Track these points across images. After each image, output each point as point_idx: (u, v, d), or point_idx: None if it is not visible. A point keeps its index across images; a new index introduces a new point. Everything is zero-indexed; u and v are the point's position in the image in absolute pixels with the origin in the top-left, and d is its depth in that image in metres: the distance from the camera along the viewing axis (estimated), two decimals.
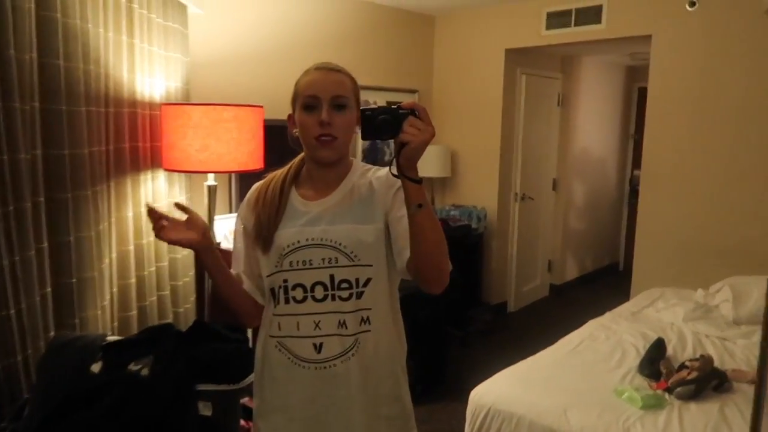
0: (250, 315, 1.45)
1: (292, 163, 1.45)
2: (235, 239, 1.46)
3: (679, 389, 2.30)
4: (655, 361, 2.56)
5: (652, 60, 3.96)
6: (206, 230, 1.31)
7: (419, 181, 1.17)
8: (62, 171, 2.16)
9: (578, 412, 2.15)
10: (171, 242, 1.29)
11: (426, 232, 1.20)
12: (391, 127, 1.14)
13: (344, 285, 1.32)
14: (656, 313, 3.32)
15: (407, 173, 1.15)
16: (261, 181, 1.46)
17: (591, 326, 3.09)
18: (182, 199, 2.99)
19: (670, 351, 2.75)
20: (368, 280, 1.34)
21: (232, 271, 1.43)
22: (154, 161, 2.81)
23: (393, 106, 1.16)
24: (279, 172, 1.45)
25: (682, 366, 2.46)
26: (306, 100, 1.31)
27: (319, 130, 1.30)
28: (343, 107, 1.32)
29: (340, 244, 1.32)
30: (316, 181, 1.39)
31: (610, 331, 2.99)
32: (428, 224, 1.20)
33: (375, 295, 1.35)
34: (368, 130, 1.17)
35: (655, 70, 3.96)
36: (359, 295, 1.33)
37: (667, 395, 2.31)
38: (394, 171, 1.19)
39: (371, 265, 1.33)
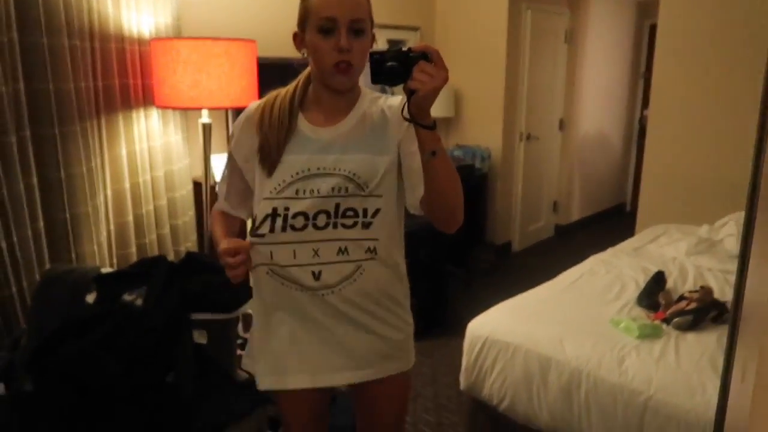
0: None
1: (297, 81, 1.35)
2: (228, 158, 1.40)
3: (676, 319, 2.29)
4: (653, 293, 2.54)
5: None
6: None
7: (432, 126, 1.11)
8: (47, 106, 2.11)
9: (574, 341, 2.15)
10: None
11: (440, 178, 1.17)
12: (399, 75, 1.08)
13: (349, 213, 1.26)
14: (659, 248, 3.28)
15: (419, 120, 1.10)
16: (262, 100, 1.36)
17: (591, 261, 3.07)
18: (178, 138, 2.95)
19: (670, 284, 2.73)
20: (377, 211, 1.28)
21: (218, 191, 1.44)
22: (147, 99, 2.75)
23: (404, 50, 1.09)
24: (283, 91, 1.34)
25: (681, 297, 2.44)
26: (322, 23, 1.20)
27: (338, 57, 1.20)
28: (362, 32, 1.23)
29: (354, 174, 1.26)
30: (325, 106, 1.31)
31: (610, 266, 2.97)
32: (443, 171, 1.16)
33: (383, 226, 1.29)
34: (377, 74, 1.10)
35: (665, 5, 3.80)
36: (367, 225, 1.27)
37: (664, 325, 2.30)
38: (406, 115, 1.13)
39: (381, 196, 1.28)
